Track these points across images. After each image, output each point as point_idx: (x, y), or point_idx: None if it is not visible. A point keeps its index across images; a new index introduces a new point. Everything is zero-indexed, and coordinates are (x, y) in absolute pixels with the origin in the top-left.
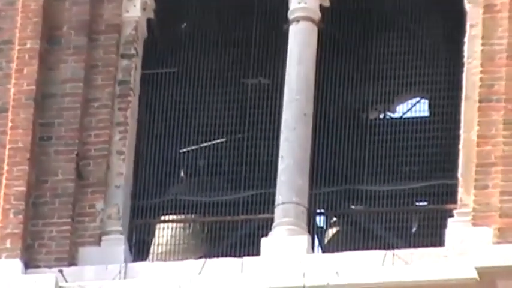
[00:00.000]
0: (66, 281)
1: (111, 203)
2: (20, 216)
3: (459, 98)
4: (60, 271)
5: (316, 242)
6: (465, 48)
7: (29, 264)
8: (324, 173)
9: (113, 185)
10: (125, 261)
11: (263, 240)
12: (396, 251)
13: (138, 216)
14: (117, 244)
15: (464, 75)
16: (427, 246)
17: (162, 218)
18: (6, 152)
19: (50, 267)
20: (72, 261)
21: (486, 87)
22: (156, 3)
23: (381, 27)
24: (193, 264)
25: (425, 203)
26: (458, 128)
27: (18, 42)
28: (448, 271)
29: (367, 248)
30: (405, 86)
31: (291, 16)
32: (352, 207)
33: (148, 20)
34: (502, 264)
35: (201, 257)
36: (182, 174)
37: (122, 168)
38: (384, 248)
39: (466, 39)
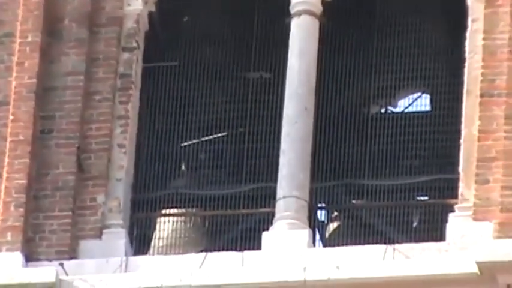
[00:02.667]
0: (67, 274)
1: (112, 196)
2: (21, 209)
3: (460, 93)
4: (61, 264)
5: (317, 236)
6: (467, 42)
7: (30, 257)
8: (325, 167)
9: (114, 178)
10: (126, 255)
11: (264, 234)
12: (397, 246)
13: (139, 210)
14: (118, 237)
15: (465, 69)
16: (427, 240)
17: (163, 211)
18: (7, 145)
19: (50, 260)
20: (72, 255)
21: (487, 81)
22: None
23: (383, 21)
24: (194, 258)
25: (426, 198)
26: (459, 122)
27: (19, 35)
28: (448, 266)
29: (368, 243)
30: (407, 81)
31: (292, 10)
32: (353, 201)
33: (150, 13)
34: (502, 259)
35: (202, 251)
36: (183, 167)
37: (123, 162)
38: (385, 243)
39: (467, 34)
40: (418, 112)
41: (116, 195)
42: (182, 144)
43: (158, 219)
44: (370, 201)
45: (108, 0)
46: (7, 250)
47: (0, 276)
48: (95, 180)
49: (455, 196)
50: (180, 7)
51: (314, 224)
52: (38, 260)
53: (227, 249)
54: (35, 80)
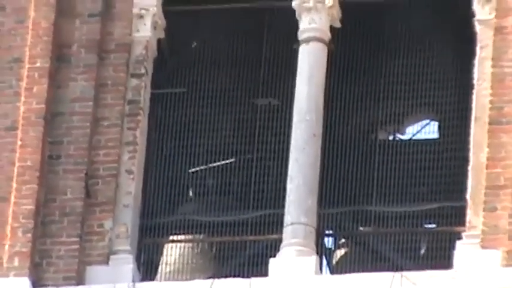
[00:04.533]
0: None
1: (119, 222)
2: (29, 235)
3: (469, 120)
4: None
5: (325, 262)
6: (475, 70)
7: (37, 282)
8: (333, 193)
9: (122, 204)
10: (133, 281)
11: (271, 260)
12: (404, 273)
13: (147, 236)
14: (125, 263)
15: (474, 97)
16: (435, 268)
17: (171, 237)
18: (15, 170)
19: (58, 286)
20: (80, 280)
21: (496, 109)
22: (166, 22)
23: (391, 48)
24: (202, 284)
25: (434, 225)
26: (467, 150)
27: (28, 61)
28: None
29: (376, 269)
30: (415, 107)
31: (301, 36)
32: (361, 228)
33: (159, 40)
34: (510, 287)
35: (209, 277)
36: (191, 194)
37: (130, 188)
38: (392, 270)
39: (476, 61)
40: (426, 139)
41: (123, 221)
42: (190, 170)
43: (166, 245)
44: (378, 228)
45: (117, 27)
46: (15, 275)
47: None
48: (102, 206)
49: (463, 223)
50: (189, 34)
51: (321, 251)
52: (45, 285)
53: (234, 276)
54: (43, 106)
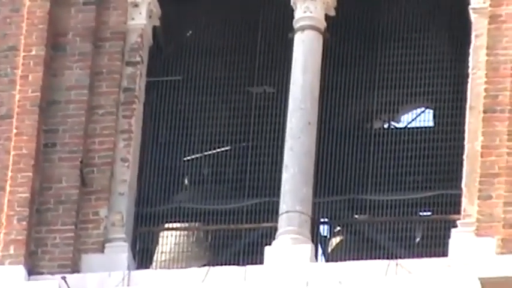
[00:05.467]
0: None
1: (114, 210)
2: (24, 223)
3: (463, 108)
4: (63, 278)
5: (320, 251)
6: (470, 58)
7: (32, 270)
8: (328, 182)
9: (117, 192)
10: (128, 269)
11: (267, 248)
12: (400, 261)
13: (142, 224)
14: (120, 251)
15: (468, 85)
16: (430, 256)
17: (166, 225)
18: (11, 159)
19: (53, 274)
20: (75, 268)
21: (490, 97)
22: (161, 11)
23: (386, 37)
24: (197, 272)
25: (429, 213)
26: (462, 138)
27: (23, 49)
28: (451, 281)
29: (371, 258)
30: (410, 96)
31: (296, 25)
32: (356, 216)
33: (154, 28)
34: (505, 275)
35: (204, 265)
36: (186, 182)
37: (126, 176)
38: (388, 258)
39: (471, 50)
40: (421, 127)
41: (118, 209)
42: (185, 159)
43: (161, 234)
44: (373, 217)
45: (112, 15)
46: (10, 263)
47: None
48: (97, 194)
49: (458, 212)
50: (184, 22)
51: (317, 239)
52: (40, 273)
53: (230, 264)
54: (38, 94)
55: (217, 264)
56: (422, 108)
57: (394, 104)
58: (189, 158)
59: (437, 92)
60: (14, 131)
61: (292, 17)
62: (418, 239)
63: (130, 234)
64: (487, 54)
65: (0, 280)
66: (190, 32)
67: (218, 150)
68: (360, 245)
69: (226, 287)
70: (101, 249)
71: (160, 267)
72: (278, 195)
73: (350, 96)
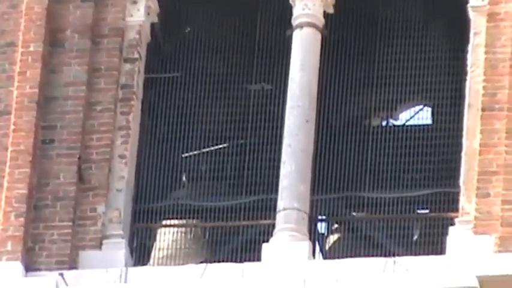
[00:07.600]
0: (67, 285)
1: (112, 207)
2: (21, 219)
3: (462, 106)
4: (61, 274)
5: (317, 248)
6: (468, 56)
7: (30, 267)
8: (326, 179)
9: (115, 188)
10: (126, 265)
11: (264, 245)
12: (397, 259)
13: (140, 220)
14: (118, 248)
15: (467, 83)
16: (428, 254)
17: (164, 222)
18: (8, 155)
19: (50, 270)
20: (72, 265)
21: (489, 95)
22: (159, 7)
23: (385, 34)
24: (194, 269)
25: (426, 211)
26: (460, 136)
27: (21, 45)
28: (448, 279)
29: (368, 255)
30: (408, 94)
31: (294, 22)
32: (354, 214)
33: (152, 25)
34: (503, 273)
35: (202, 262)
36: (184, 178)
37: (123, 172)
38: (385, 255)
39: (469, 48)
40: (419, 125)
41: (116, 205)
42: (183, 155)
43: (158, 230)
44: (371, 214)
45: (110, 11)
46: (7, 260)
47: (0, 285)
48: (95, 190)
49: (456, 209)
50: (182, 19)
51: (314, 236)
52: (38, 270)
53: (227, 261)
54: (36, 90)
55: (214, 261)
56: (421, 106)
57: (392, 102)
58: (186, 154)
59: (436, 90)
60: (12, 127)
61: (291, 14)
62: (415, 237)
63: (127, 231)
64: (486, 52)
65: None
66: (188, 29)
67: (216, 147)
68: (358, 243)
69: (223, 284)
70: (99, 246)
71: (157, 264)
72: (276, 193)
73: (348, 93)
